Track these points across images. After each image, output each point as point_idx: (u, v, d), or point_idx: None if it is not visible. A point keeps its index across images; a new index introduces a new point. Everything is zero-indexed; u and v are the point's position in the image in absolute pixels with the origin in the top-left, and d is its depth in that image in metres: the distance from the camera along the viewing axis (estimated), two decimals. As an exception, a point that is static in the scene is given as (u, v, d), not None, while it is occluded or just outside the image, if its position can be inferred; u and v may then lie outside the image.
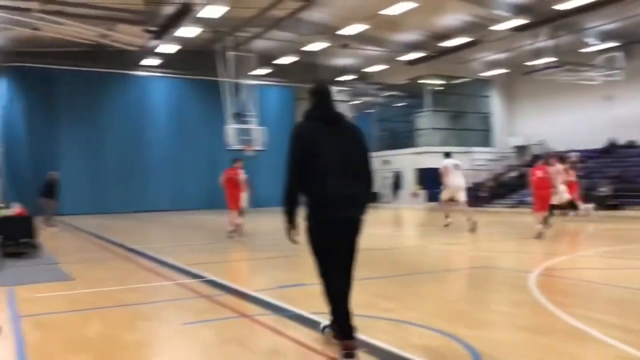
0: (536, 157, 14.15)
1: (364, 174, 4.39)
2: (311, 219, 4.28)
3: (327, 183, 4.22)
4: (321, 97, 4.50)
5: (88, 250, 12.46)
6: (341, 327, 4.21)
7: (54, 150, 27.62)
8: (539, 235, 12.14)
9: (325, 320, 4.71)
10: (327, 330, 4.63)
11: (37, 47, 25.12)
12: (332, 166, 4.24)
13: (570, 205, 14.38)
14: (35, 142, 27.25)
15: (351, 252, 4.39)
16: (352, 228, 4.34)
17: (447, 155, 15.03)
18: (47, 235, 15.13)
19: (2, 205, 13.02)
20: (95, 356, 4.45)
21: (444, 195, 14.74)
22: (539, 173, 12.76)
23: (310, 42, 26.06)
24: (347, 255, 4.39)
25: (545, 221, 12.67)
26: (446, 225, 14.46)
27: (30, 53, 25.79)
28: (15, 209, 12.28)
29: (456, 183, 14.45)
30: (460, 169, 14.66)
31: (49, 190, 18.02)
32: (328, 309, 4.35)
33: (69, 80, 27.39)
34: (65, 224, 19.93)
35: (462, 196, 14.57)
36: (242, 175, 13.88)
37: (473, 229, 13.95)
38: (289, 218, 4.29)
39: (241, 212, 15.57)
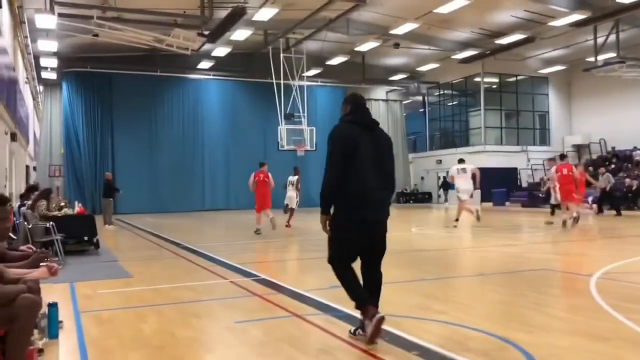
0: (562, 156, 16.17)
1: (390, 180, 4.75)
2: (343, 215, 4.55)
3: (366, 184, 4.51)
4: (358, 105, 4.78)
5: (145, 248, 12.82)
6: (362, 297, 4.54)
7: (112, 152, 28.61)
8: (564, 224, 14.50)
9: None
10: (358, 331, 4.70)
11: (96, 53, 26.09)
12: (369, 169, 4.53)
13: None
14: (95, 143, 28.28)
15: (380, 250, 4.71)
16: (381, 228, 4.68)
17: (460, 161, 16.58)
18: (105, 233, 15.68)
19: (64, 204, 13.55)
20: (150, 352, 4.56)
21: (463, 196, 16.02)
22: (564, 170, 14.82)
23: (361, 42, 25.99)
24: (376, 253, 4.71)
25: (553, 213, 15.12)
26: (478, 220, 15.81)
27: (89, 58, 26.83)
28: (76, 208, 12.76)
29: (462, 186, 15.94)
30: (468, 173, 15.94)
31: (105, 190, 18.84)
32: (352, 298, 4.64)
33: (126, 83, 28.33)
34: (122, 223, 20.59)
35: (465, 197, 16.07)
36: (270, 177, 14.96)
37: (455, 223, 16.06)
38: (326, 210, 4.58)
39: (290, 211, 16.18)
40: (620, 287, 7.16)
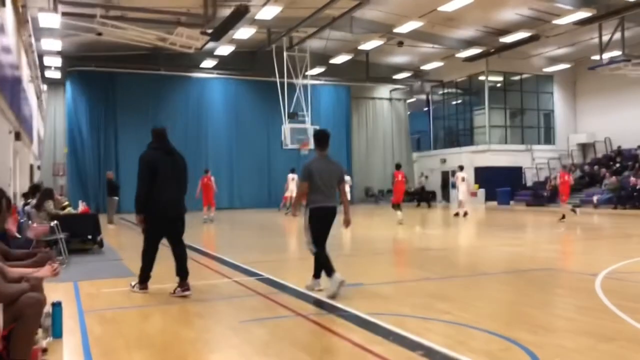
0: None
1: (185, 187, 6.94)
2: (153, 215, 6.62)
3: (166, 193, 6.57)
4: (160, 136, 6.89)
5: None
6: (147, 276, 6.85)
7: (115, 150, 28.62)
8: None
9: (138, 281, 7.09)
10: (137, 286, 6.82)
11: (99, 52, 26.13)
12: (169, 181, 6.61)
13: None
14: (98, 143, 28.30)
15: (179, 233, 6.89)
16: (180, 220, 6.87)
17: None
18: (109, 232, 15.68)
19: (67, 203, 13.56)
20: (154, 351, 4.56)
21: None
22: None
23: (364, 40, 25.92)
24: (176, 237, 6.88)
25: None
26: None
27: (93, 57, 26.85)
28: (80, 207, 12.77)
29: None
30: (348, 182, 20.84)
31: (108, 188, 18.97)
32: (143, 267, 6.88)
33: (129, 82, 28.27)
34: (126, 222, 20.58)
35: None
36: (212, 181, 19.37)
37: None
38: (140, 212, 6.62)
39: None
40: (625, 286, 7.13)
